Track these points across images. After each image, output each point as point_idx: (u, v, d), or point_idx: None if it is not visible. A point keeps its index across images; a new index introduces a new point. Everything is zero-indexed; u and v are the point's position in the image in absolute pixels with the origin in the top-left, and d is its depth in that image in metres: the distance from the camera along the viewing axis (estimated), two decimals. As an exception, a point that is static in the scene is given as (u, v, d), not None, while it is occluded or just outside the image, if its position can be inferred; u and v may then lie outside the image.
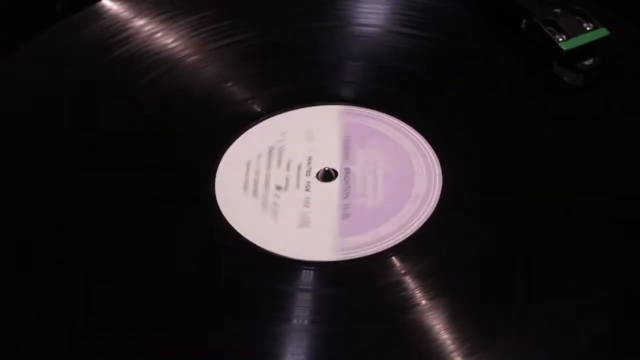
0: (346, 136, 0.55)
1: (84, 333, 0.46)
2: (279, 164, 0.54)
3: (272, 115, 0.56)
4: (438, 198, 0.51)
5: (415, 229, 0.50)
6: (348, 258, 0.49)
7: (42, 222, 0.51)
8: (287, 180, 0.53)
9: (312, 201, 0.52)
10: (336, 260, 0.49)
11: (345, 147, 0.55)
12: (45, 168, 0.54)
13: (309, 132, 0.56)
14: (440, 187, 0.52)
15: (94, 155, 0.54)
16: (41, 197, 0.52)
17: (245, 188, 0.53)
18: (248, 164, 0.54)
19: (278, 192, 0.52)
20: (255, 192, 0.52)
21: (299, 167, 0.53)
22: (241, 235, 0.50)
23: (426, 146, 0.54)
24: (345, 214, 0.51)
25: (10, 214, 0.52)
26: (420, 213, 0.51)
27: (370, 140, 0.55)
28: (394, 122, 0.56)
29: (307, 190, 0.52)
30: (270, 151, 0.54)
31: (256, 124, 0.56)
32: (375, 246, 0.49)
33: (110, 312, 0.47)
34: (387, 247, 0.49)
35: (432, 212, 0.51)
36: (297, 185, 0.53)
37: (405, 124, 0.55)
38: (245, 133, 0.55)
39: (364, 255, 0.49)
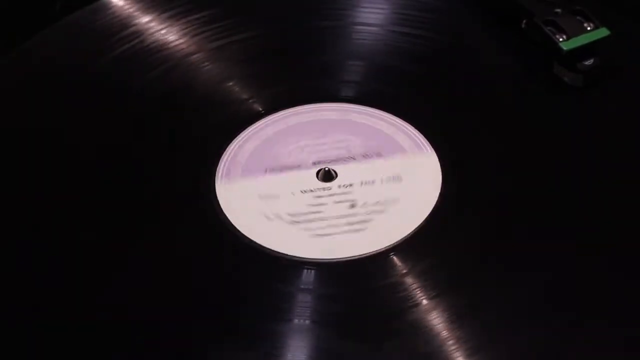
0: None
1: (83, 333, 0.46)
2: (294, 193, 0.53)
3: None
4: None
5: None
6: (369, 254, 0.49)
7: (41, 222, 0.51)
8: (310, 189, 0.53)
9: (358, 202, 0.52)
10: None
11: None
12: (45, 168, 0.54)
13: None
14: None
15: (93, 154, 0.54)
16: (41, 197, 0.52)
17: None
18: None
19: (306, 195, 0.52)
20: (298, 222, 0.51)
21: (314, 190, 0.53)
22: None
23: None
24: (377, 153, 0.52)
25: (10, 214, 0.52)
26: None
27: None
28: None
29: (350, 185, 0.52)
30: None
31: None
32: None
33: (110, 312, 0.47)
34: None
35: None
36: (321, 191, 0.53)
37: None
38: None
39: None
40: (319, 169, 0.53)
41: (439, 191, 0.52)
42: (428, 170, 0.53)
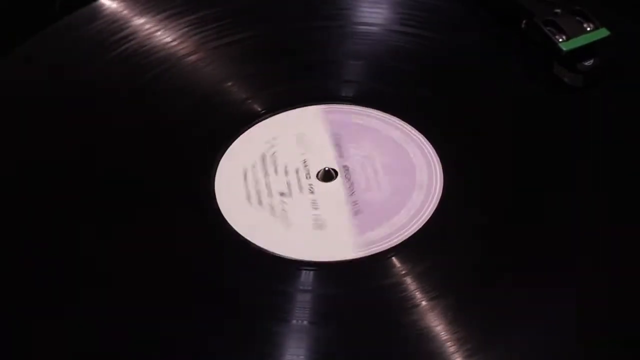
0: (338, 134, 0.55)
1: (83, 333, 0.46)
2: (276, 170, 0.53)
3: (269, 116, 0.56)
4: (439, 198, 0.51)
5: (415, 230, 0.50)
6: (370, 254, 0.49)
7: (41, 222, 0.51)
8: (288, 185, 0.53)
9: (320, 203, 0.52)
10: (337, 260, 0.49)
11: (337, 145, 0.54)
12: (45, 168, 0.54)
13: (299, 135, 0.55)
14: (441, 187, 0.52)
15: (93, 155, 0.54)
16: (41, 197, 0.52)
17: (249, 198, 0.52)
18: (245, 173, 0.53)
19: (283, 199, 0.52)
20: (260, 202, 0.52)
21: (297, 171, 0.53)
22: (240, 236, 0.50)
23: (427, 145, 0.54)
24: (356, 211, 0.51)
25: (10, 213, 0.52)
26: (421, 212, 0.51)
27: (367, 138, 0.55)
28: (394, 121, 0.56)
29: (312, 192, 0.52)
30: (264, 158, 0.54)
31: (255, 123, 0.56)
32: (396, 237, 0.49)
33: (110, 312, 0.47)
34: (406, 237, 0.49)
35: (432, 212, 0.51)
36: (301, 189, 0.53)
37: (405, 123, 0.55)
38: (244, 133, 0.55)
39: (383, 249, 0.49)
40: (320, 168, 0.53)
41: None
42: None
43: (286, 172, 0.53)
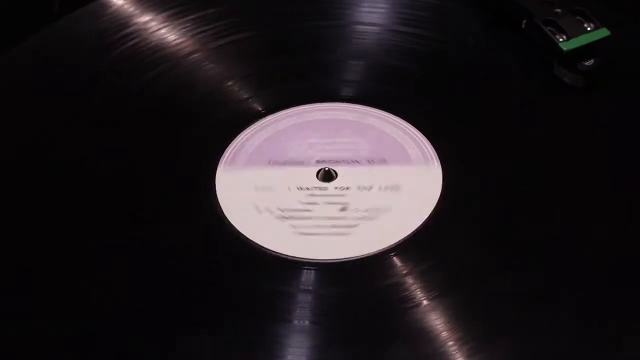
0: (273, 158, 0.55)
1: (83, 332, 0.46)
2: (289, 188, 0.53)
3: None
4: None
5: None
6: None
7: (41, 221, 0.51)
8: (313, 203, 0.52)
9: (350, 201, 0.52)
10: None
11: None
12: (45, 167, 0.54)
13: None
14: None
15: (93, 154, 0.54)
16: (41, 197, 0.52)
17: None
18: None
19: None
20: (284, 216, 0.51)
21: (310, 188, 0.53)
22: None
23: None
24: (382, 160, 0.52)
25: (10, 213, 0.52)
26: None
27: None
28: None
29: (347, 188, 0.52)
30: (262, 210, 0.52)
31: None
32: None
33: (110, 312, 0.47)
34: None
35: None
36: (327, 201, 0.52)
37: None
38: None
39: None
40: (320, 168, 0.53)
41: (440, 191, 0.52)
42: (429, 183, 0.52)
43: (314, 203, 0.52)
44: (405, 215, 0.50)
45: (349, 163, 0.53)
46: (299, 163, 0.54)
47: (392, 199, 0.51)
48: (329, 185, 0.53)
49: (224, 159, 0.54)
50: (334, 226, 0.50)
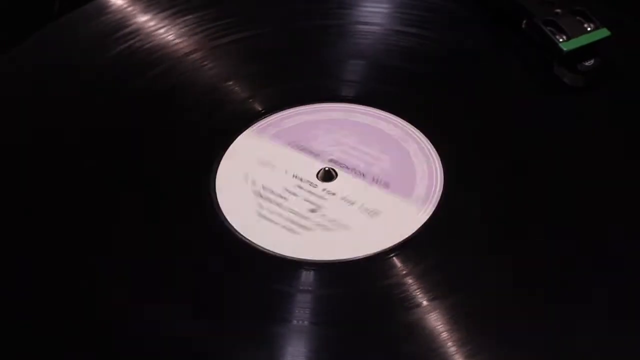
0: (293, 141, 0.55)
1: (83, 332, 0.46)
2: (282, 196, 0.52)
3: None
4: (439, 198, 0.51)
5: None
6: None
7: (40, 221, 0.51)
8: (310, 202, 0.52)
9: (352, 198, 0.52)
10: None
11: (303, 149, 0.54)
12: (45, 167, 0.54)
13: (263, 161, 0.54)
14: (441, 186, 0.52)
15: (93, 154, 0.54)
16: (41, 196, 0.52)
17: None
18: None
19: (317, 212, 0.51)
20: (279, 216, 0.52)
21: (301, 187, 0.53)
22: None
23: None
24: (386, 183, 0.52)
25: (10, 212, 0.52)
26: (421, 212, 0.50)
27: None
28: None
29: (333, 194, 0.52)
30: (260, 194, 0.53)
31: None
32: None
33: (110, 312, 0.47)
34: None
35: (432, 212, 0.51)
36: (323, 198, 0.52)
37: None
38: (245, 132, 0.55)
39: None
40: (325, 166, 0.53)
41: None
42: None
43: (293, 194, 0.52)
44: (359, 239, 0.50)
45: (355, 173, 0.53)
46: (313, 154, 0.54)
47: (361, 221, 0.51)
48: (320, 185, 0.52)
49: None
50: (292, 222, 0.51)
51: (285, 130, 0.55)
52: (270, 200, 0.51)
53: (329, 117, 0.56)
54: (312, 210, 0.51)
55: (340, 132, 0.55)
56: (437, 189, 0.52)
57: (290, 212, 0.51)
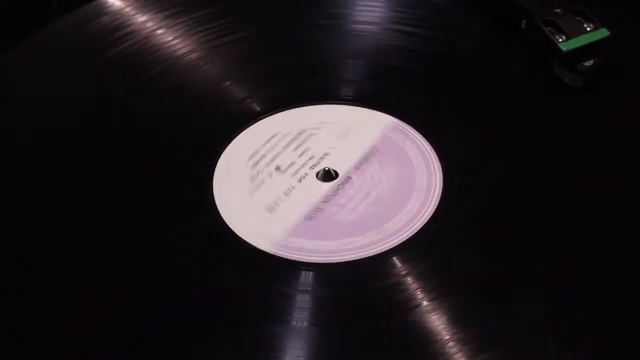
0: (377, 149, 0.54)
1: (83, 334, 0.46)
2: (298, 147, 0.54)
3: (272, 114, 0.56)
4: (438, 198, 0.51)
5: (417, 229, 0.50)
6: (279, 255, 0.49)
7: (39, 222, 0.51)
8: (290, 164, 0.53)
9: (294, 192, 0.52)
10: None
11: (366, 158, 0.54)
12: (44, 167, 0.54)
13: (346, 130, 0.55)
14: (441, 187, 0.52)
15: (92, 154, 0.54)
16: (39, 197, 0.52)
17: (251, 157, 0.53)
18: (272, 136, 0.55)
19: (274, 172, 0.52)
20: (256, 163, 0.53)
21: (310, 158, 0.53)
22: (239, 237, 0.50)
23: (426, 146, 0.54)
24: (310, 216, 0.51)
25: (9, 214, 0.52)
26: (422, 213, 0.50)
27: (389, 156, 0.54)
28: (395, 121, 0.55)
29: (299, 181, 0.52)
30: (302, 132, 0.55)
31: (254, 123, 0.56)
32: (305, 255, 0.49)
33: (110, 312, 0.47)
34: (315, 261, 0.49)
35: (432, 212, 0.50)
36: (295, 173, 0.53)
37: (406, 124, 0.55)
38: (243, 132, 0.55)
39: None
40: (332, 169, 0.53)
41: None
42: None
43: (301, 154, 0.54)
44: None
45: (352, 185, 0.53)
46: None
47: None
48: (320, 185, 0.52)
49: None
50: (252, 180, 0.52)
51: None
52: (263, 164, 0.52)
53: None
54: (278, 168, 0.52)
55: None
56: (437, 189, 0.52)
57: (268, 175, 0.52)
